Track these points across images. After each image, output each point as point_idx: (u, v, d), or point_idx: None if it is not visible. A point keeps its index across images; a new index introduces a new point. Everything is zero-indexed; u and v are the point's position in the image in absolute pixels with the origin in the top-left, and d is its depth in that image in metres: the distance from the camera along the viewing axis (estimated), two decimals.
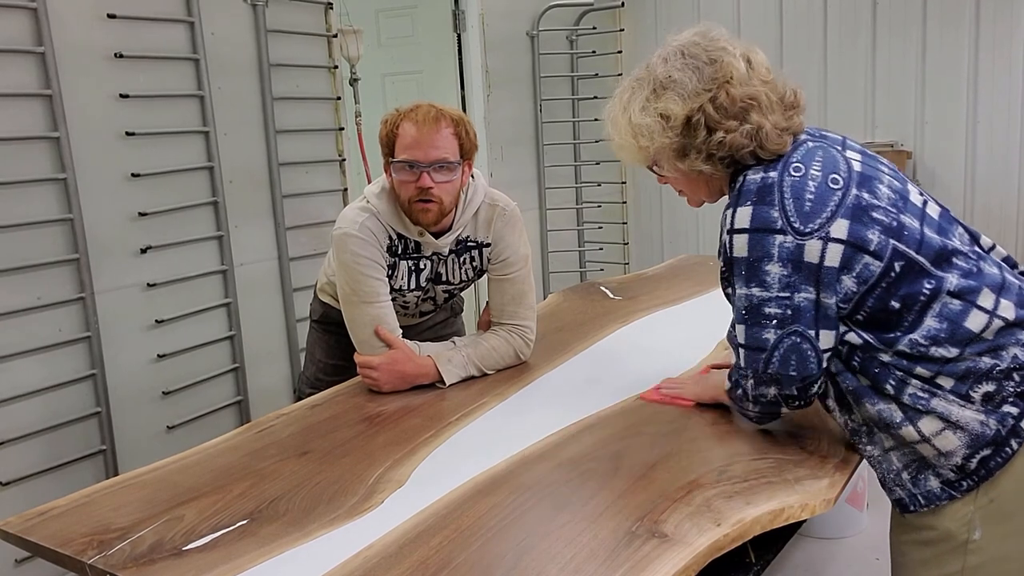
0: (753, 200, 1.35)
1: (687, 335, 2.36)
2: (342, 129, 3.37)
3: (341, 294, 2.07)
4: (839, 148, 1.42)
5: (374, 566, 1.24)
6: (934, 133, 4.23)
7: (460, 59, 4.20)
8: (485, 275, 2.22)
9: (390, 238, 2.05)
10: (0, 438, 2.37)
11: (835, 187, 1.34)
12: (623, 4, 4.87)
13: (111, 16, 2.57)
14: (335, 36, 3.33)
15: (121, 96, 2.61)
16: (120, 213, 2.65)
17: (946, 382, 1.29)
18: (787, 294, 1.33)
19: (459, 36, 4.19)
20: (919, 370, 1.30)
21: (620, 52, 5.12)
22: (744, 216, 1.35)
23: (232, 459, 1.67)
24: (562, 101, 4.73)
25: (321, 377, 2.39)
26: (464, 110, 4.25)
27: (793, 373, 1.37)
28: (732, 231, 1.37)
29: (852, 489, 2.84)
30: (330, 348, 2.39)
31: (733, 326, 1.44)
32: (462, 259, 2.15)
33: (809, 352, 1.35)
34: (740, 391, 1.51)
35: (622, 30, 5.07)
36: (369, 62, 3.84)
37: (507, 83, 4.37)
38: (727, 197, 1.47)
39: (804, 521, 1.43)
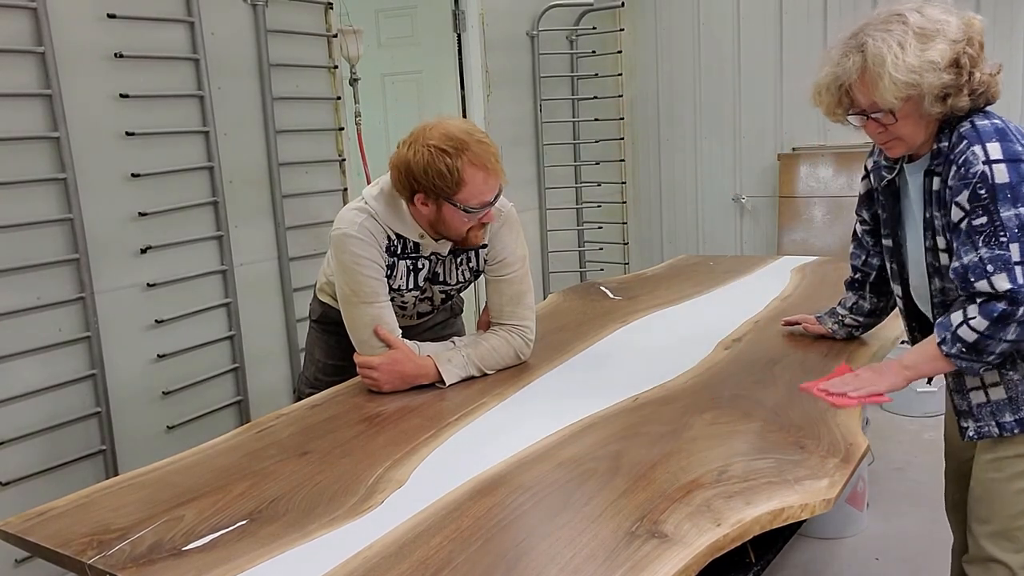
0: (996, 138, 1.54)
1: (687, 335, 2.36)
2: (342, 129, 3.37)
3: (340, 294, 2.07)
4: None
5: (374, 566, 1.24)
6: None
7: (460, 59, 4.20)
8: (483, 276, 2.22)
9: (388, 238, 2.04)
10: (0, 438, 2.37)
11: None
12: (623, 4, 4.88)
13: (111, 16, 2.56)
14: (335, 36, 3.33)
15: (121, 96, 2.61)
16: (120, 213, 2.65)
17: None
18: None
19: (459, 36, 4.18)
20: None
21: (620, 52, 5.13)
22: (996, 149, 1.53)
23: (232, 459, 1.67)
24: (562, 101, 4.73)
25: (320, 377, 2.39)
26: (464, 110, 4.25)
27: None
28: (989, 162, 1.53)
29: (852, 489, 2.84)
30: (329, 348, 2.39)
31: (981, 262, 1.53)
32: (459, 259, 2.15)
33: None
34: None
35: (622, 30, 5.07)
36: (369, 62, 3.84)
37: (507, 83, 4.37)
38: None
39: (804, 521, 1.43)
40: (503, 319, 2.16)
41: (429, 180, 1.88)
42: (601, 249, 4.99)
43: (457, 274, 2.18)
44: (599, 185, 4.95)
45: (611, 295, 2.89)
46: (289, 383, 3.20)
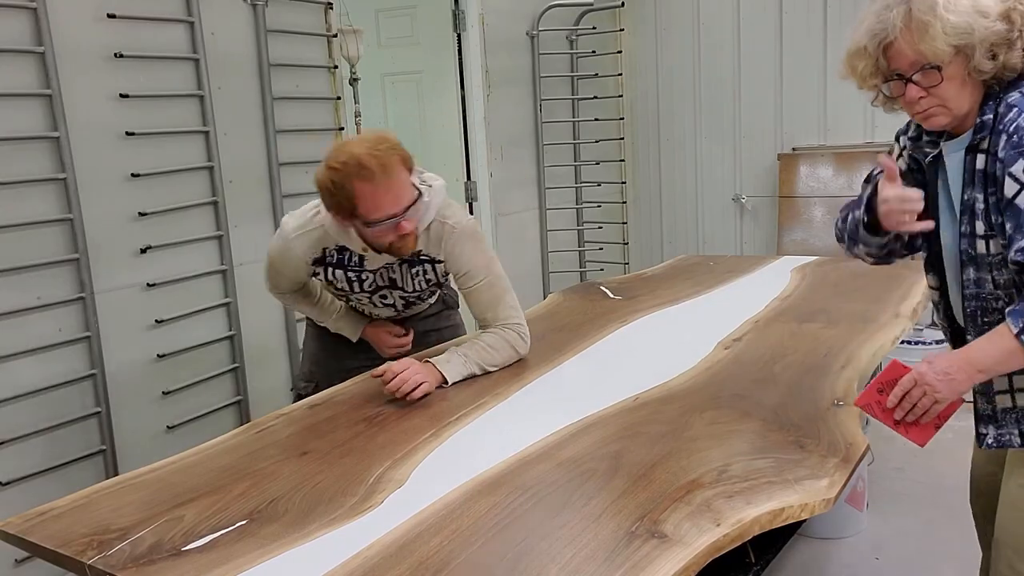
0: None
1: (687, 335, 2.37)
2: (342, 129, 3.37)
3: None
4: None
5: (374, 566, 1.24)
6: None
7: (460, 59, 4.20)
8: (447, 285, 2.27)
9: (325, 251, 2.09)
10: (0, 438, 2.37)
11: None
12: (623, 4, 4.87)
13: (111, 16, 2.56)
14: (335, 36, 3.33)
15: (121, 96, 2.61)
16: (120, 213, 2.65)
17: None
18: None
19: (459, 36, 4.18)
20: None
21: (620, 52, 5.13)
22: None
23: (232, 459, 1.67)
24: (562, 101, 4.73)
25: (313, 369, 2.43)
26: (464, 110, 4.24)
27: None
28: None
29: (852, 489, 2.84)
30: (321, 339, 2.42)
31: None
32: (415, 271, 2.16)
33: None
34: None
35: (622, 30, 5.07)
36: (369, 62, 3.84)
37: (507, 83, 4.37)
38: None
39: (804, 521, 1.43)
40: (488, 323, 2.18)
41: (331, 199, 1.90)
42: (601, 249, 4.99)
43: (413, 283, 2.19)
44: (599, 185, 4.95)
45: (611, 295, 2.89)
46: (289, 383, 3.20)
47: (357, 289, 2.17)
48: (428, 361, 2.04)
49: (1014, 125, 1.41)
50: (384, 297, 2.21)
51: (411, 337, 2.35)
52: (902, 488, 3.19)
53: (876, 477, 3.21)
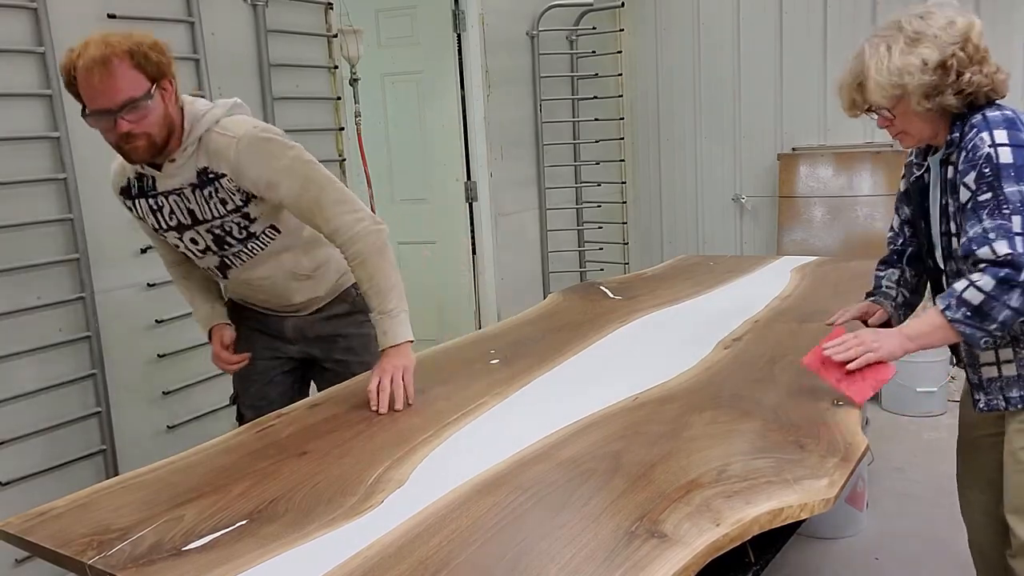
0: (1004, 126, 1.66)
1: (687, 335, 2.37)
2: (342, 129, 3.37)
3: None
4: None
5: (374, 566, 1.24)
6: None
7: (460, 59, 4.20)
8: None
9: (128, 180, 2.02)
10: (0, 438, 2.38)
11: None
12: (623, 4, 4.88)
13: (111, 16, 2.57)
14: (335, 36, 3.33)
15: None
16: (120, 213, 2.63)
17: None
18: None
19: (459, 36, 4.18)
20: None
21: (620, 52, 5.13)
22: (1002, 135, 1.66)
23: (232, 459, 1.67)
24: (562, 101, 4.73)
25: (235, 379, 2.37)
26: (464, 110, 4.24)
27: None
28: (995, 145, 1.65)
29: (852, 489, 2.84)
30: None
31: (984, 232, 1.61)
32: (206, 192, 1.98)
33: None
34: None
35: (622, 30, 5.07)
36: (369, 62, 3.84)
37: (507, 83, 4.37)
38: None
39: (803, 521, 1.44)
40: (334, 237, 2.00)
41: (65, 84, 1.82)
42: (601, 249, 4.99)
43: (210, 208, 2.00)
44: (599, 185, 4.95)
45: (611, 295, 2.89)
46: None
47: (164, 226, 2.04)
48: (383, 352, 1.96)
49: (971, 143, 1.67)
50: (195, 241, 2.06)
51: (242, 359, 2.22)
52: (902, 488, 3.19)
53: (876, 477, 3.21)
